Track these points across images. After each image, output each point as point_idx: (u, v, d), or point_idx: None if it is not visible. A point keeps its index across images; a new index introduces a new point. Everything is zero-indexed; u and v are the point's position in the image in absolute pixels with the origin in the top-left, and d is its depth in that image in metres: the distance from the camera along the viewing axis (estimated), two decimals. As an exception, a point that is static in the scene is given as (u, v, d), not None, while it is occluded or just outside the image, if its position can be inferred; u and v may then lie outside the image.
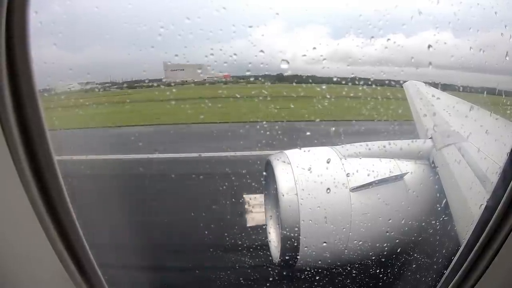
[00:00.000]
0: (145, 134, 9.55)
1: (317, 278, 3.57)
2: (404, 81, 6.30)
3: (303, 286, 3.63)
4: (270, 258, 3.90)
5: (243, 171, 4.86)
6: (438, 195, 3.43)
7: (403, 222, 3.49)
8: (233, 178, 5.10)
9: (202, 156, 7.60)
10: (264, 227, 4.15)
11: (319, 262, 3.54)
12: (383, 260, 3.54)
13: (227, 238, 4.51)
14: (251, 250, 4.28)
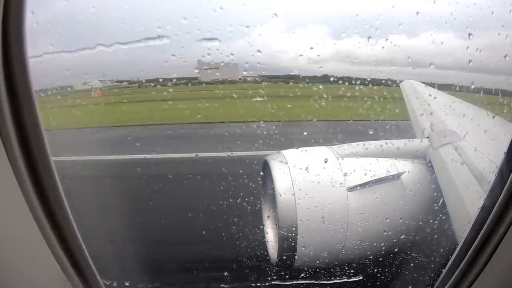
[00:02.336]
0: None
1: (314, 277, 3.57)
2: (401, 81, 6.32)
3: (301, 286, 3.63)
4: (268, 258, 3.90)
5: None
6: (435, 194, 3.44)
7: (400, 221, 3.50)
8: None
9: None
10: (261, 227, 4.15)
11: (317, 262, 3.55)
12: (381, 259, 3.55)
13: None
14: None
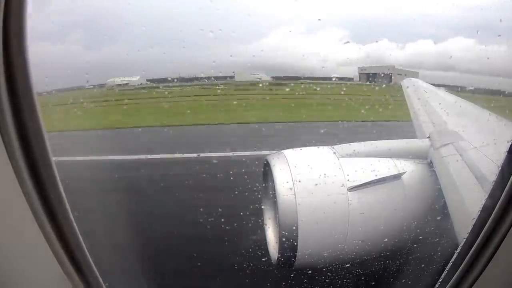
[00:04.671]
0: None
1: (315, 277, 3.57)
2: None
3: (302, 286, 3.63)
4: (269, 258, 3.90)
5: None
6: (436, 194, 3.43)
7: (401, 221, 3.49)
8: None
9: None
10: (263, 226, 4.14)
11: (318, 262, 3.54)
12: (381, 259, 3.54)
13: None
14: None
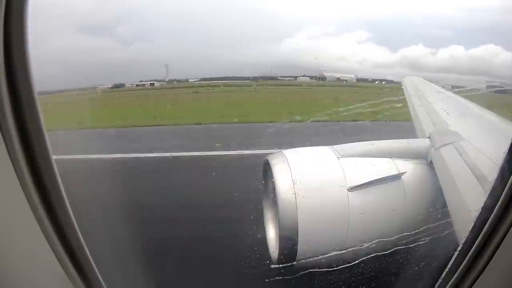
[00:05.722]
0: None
1: (315, 277, 3.56)
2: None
3: (302, 286, 3.63)
4: (269, 257, 3.90)
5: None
6: (436, 194, 3.43)
7: (401, 221, 3.49)
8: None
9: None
10: (263, 226, 4.14)
11: (318, 262, 3.55)
12: (381, 259, 3.54)
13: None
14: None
